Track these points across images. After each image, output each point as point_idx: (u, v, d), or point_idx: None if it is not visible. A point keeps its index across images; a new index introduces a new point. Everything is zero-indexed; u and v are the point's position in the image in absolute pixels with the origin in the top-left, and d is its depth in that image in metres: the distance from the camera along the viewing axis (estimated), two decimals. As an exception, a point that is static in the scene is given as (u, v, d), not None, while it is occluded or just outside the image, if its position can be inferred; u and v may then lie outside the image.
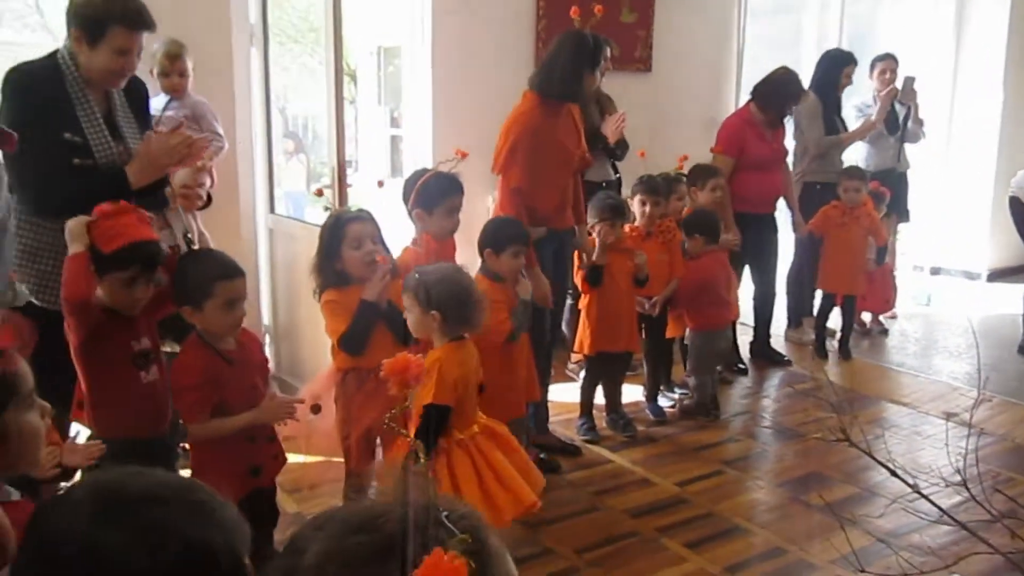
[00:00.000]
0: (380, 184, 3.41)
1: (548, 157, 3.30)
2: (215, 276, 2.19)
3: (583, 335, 3.73)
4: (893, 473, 1.93)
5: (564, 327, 4.28)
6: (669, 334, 4.12)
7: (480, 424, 2.49)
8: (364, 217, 2.64)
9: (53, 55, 2.47)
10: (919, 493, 1.95)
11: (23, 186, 2.37)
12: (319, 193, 3.39)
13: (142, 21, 2.42)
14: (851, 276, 4.82)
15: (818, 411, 3.94)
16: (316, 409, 2.64)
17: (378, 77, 12.48)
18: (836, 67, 5.05)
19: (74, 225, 2.08)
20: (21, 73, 2.45)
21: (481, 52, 4.62)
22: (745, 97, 5.40)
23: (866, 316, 5.49)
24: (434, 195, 2.92)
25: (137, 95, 2.64)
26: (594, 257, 3.54)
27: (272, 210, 4.06)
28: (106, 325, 2.14)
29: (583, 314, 3.73)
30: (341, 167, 3.40)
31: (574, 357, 4.41)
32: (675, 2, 5.30)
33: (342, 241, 2.58)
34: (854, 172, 4.83)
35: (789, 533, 2.93)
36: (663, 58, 5.32)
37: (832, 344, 4.98)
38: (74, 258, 2.06)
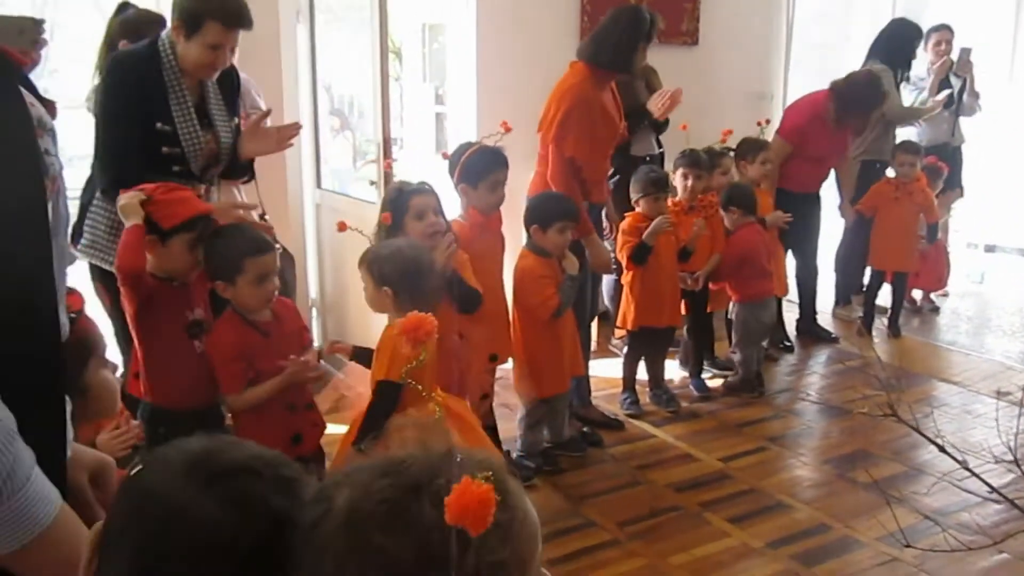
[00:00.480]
0: (445, 155, 3.36)
1: (599, 128, 3.29)
2: (245, 252, 2.23)
3: (626, 310, 3.73)
4: (942, 449, 1.90)
5: (607, 302, 4.28)
6: (711, 308, 4.10)
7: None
8: (426, 190, 2.67)
9: (155, 42, 2.54)
10: (968, 470, 1.92)
11: (106, 168, 2.48)
12: (341, 227, 2.97)
13: (239, 19, 2.50)
14: (903, 253, 4.73)
15: (866, 388, 3.90)
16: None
17: (422, 54, 12.48)
18: (910, 41, 4.90)
19: (128, 201, 2.14)
20: (121, 61, 2.55)
21: (526, 27, 4.59)
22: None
23: (917, 294, 5.40)
24: (479, 169, 2.93)
25: (229, 83, 2.71)
26: (644, 236, 3.53)
27: (319, 185, 4.11)
28: (161, 294, 2.20)
29: (626, 289, 3.72)
30: (386, 143, 3.42)
31: (617, 332, 4.41)
32: (723, -25, 5.22)
33: (405, 213, 2.61)
34: (909, 147, 4.73)
35: (834, 510, 2.91)
36: (710, 31, 5.24)
37: (881, 322, 4.91)
38: (132, 230, 2.11)
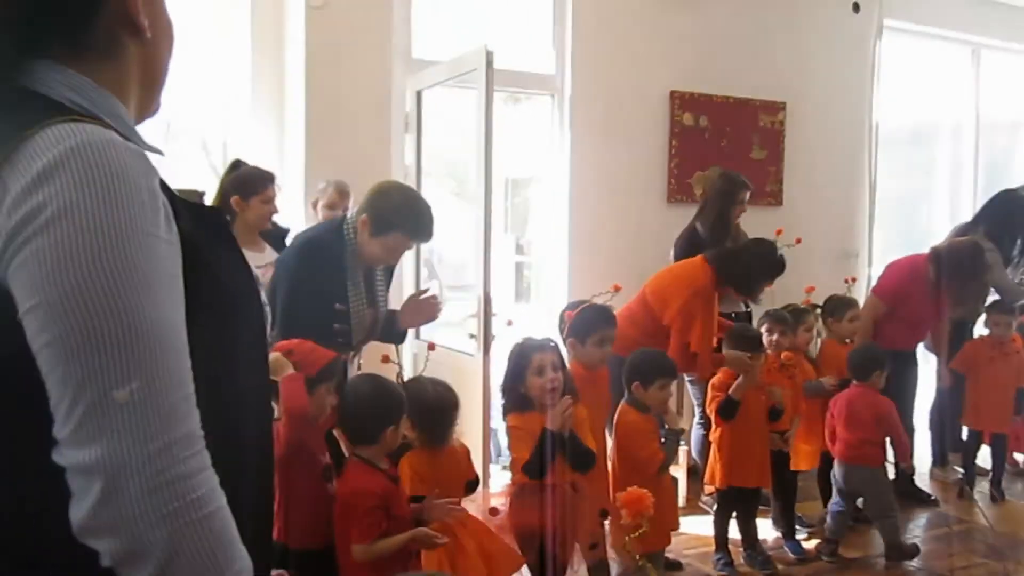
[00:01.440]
0: (509, 323, 3.67)
1: (712, 320, 3.79)
2: (388, 421, 2.38)
3: (714, 467, 3.71)
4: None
5: (695, 456, 4.28)
6: (795, 467, 4.05)
7: None
8: (548, 346, 2.83)
9: (340, 225, 2.84)
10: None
11: (285, 336, 2.62)
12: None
13: (421, 234, 2.84)
14: (1000, 413, 4.62)
15: (972, 555, 3.77)
16: (494, 512, 2.75)
17: (505, 207, 13.12)
18: (1020, 219, 4.83)
19: (276, 358, 2.31)
20: (310, 241, 2.85)
21: (616, 187, 4.84)
22: (878, 227, 5.38)
23: (1020, 456, 5.21)
24: (588, 325, 3.06)
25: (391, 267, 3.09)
26: (731, 391, 3.57)
27: (417, 336, 4.28)
28: (306, 439, 2.33)
29: (714, 446, 3.72)
30: (487, 298, 3.59)
31: (707, 489, 4.37)
32: (803, 138, 5.44)
33: (527, 368, 2.75)
34: (1003, 306, 4.69)
35: None
36: (793, 192, 5.42)
37: (982, 485, 4.74)
38: (292, 377, 2.27)
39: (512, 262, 12.44)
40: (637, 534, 1.68)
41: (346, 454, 2.48)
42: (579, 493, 2.82)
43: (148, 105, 1.07)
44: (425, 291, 3.23)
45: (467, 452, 2.81)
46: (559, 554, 2.72)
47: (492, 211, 3.60)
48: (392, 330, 3.13)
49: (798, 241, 4.70)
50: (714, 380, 3.73)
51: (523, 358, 2.78)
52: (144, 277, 0.85)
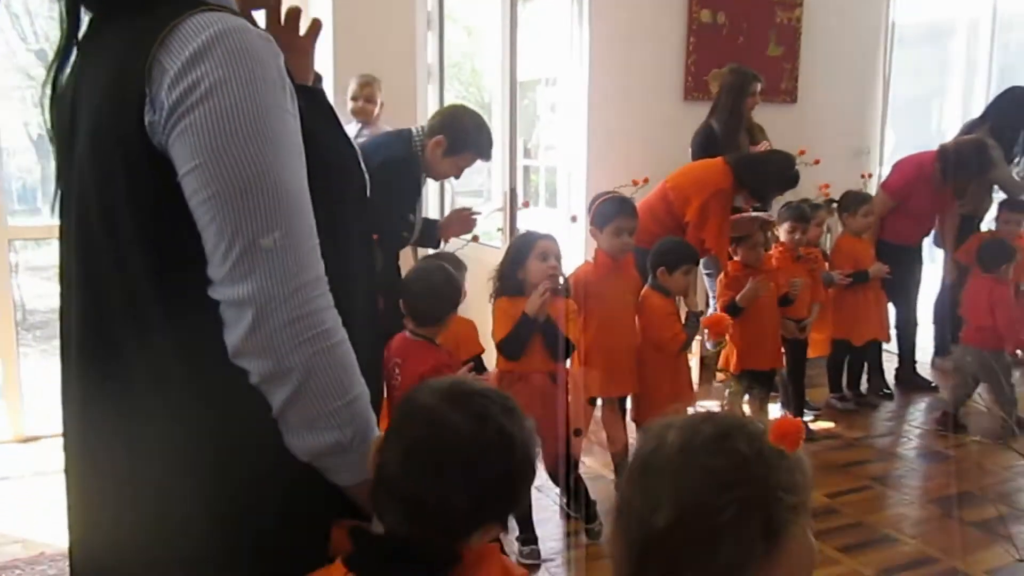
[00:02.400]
0: (574, 219, 3.90)
1: (728, 224, 3.91)
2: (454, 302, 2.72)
3: (728, 353, 3.91)
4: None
5: (708, 345, 4.48)
6: (811, 354, 4.26)
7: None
8: (551, 238, 2.97)
9: (410, 140, 3.13)
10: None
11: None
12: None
13: (488, 154, 3.25)
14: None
15: (967, 435, 4.01)
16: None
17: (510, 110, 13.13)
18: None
19: None
20: (393, 162, 3.07)
21: (633, 85, 4.90)
22: (890, 126, 5.42)
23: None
24: (607, 215, 3.21)
25: None
26: (738, 298, 3.70)
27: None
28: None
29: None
30: (512, 192, 3.73)
31: (719, 375, 4.60)
32: (820, 34, 5.45)
33: (530, 252, 2.88)
34: (1014, 205, 4.79)
35: (941, 544, 3.02)
36: (808, 89, 5.46)
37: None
38: None
39: (520, 166, 12.49)
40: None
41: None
42: (558, 384, 2.92)
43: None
44: (468, 208, 3.55)
45: (471, 328, 2.99)
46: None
47: (489, 111, 3.70)
48: (430, 236, 3.45)
49: (816, 162, 4.80)
50: (723, 277, 3.89)
51: (526, 245, 2.91)
52: (281, 145, 1.02)
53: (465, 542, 1.06)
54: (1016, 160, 4.97)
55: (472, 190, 7.23)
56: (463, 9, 5.11)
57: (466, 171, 3.33)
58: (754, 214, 3.92)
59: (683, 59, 5.05)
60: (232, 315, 1.01)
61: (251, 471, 1.06)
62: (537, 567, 2.85)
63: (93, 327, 1.12)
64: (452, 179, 3.44)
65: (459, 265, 3.13)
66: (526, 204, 4.08)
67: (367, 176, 1.27)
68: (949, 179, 4.49)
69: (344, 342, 1.07)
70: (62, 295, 1.19)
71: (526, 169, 12.71)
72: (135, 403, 1.09)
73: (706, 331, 2.76)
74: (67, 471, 1.21)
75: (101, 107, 1.04)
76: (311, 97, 1.20)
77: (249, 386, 1.04)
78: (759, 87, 4.51)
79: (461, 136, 3.10)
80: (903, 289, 4.72)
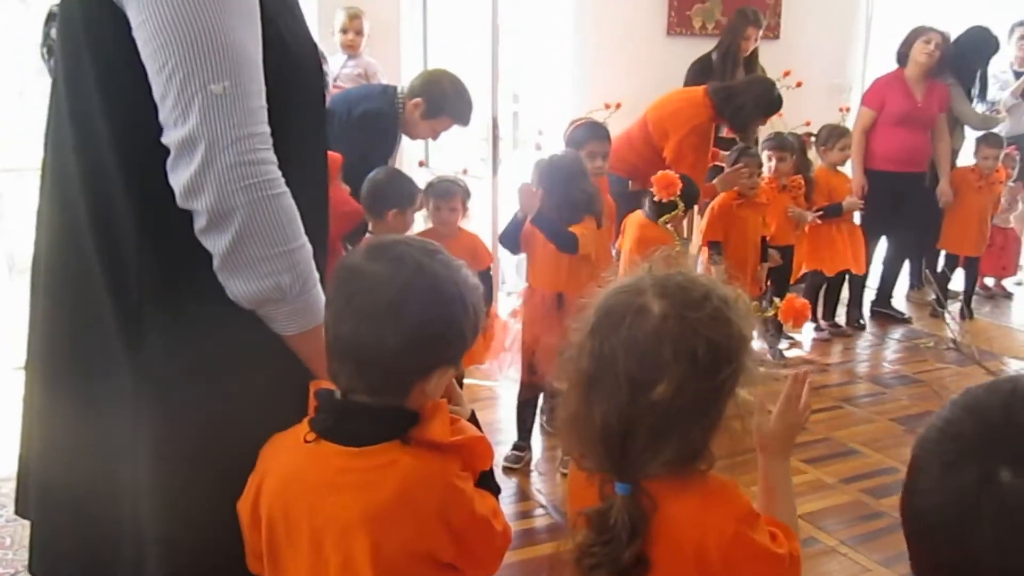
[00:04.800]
0: (538, 147, 3.95)
1: (705, 153, 4.03)
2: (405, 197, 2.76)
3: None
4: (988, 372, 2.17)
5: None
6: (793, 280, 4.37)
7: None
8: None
9: (393, 98, 3.17)
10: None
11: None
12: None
13: (467, 119, 3.25)
14: (978, 239, 4.90)
15: (937, 362, 4.15)
16: (514, 314, 3.09)
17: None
18: (985, 55, 4.96)
19: None
20: (374, 115, 3.15)
21: (616, 20, 4.93)
22: (873, 64, 5.45)
23: (989, 280, 5.55)
24: (578, 140, 3.28)
25: None
26: (716, 181, 3.86)
27: (427, 164, 4.51)
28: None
29: (706, 262, 4.00)
30: (495, 122, 3.79)
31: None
32: (804, -30, 5.47)
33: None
34: (992, 140, 4.86)
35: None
36: (791, 25, 5.49)
37: (954, 305, 5.08)
38: (337, 186, 2.61)
39: (510, 111, 12.45)
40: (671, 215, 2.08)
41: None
42: (564, 306, 2.92)
43: None
44: None
45: (474, 240, 3.07)
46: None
47: (499, 35, 3.72)
48: None
49: (799, 84, 4.86)
50: (713, 204, 3.94)
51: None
52: (236, 7, 1.09)
53: (421, 389, 1.11)
54: (976, 94, 5.04)
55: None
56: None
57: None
58: (737, 166, 3.85)
59: (666, -6, 5.08)
60: (183, 155, 1.09)
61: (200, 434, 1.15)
62: (515, 471, 2.99)
63: (62, 253, 1.22)
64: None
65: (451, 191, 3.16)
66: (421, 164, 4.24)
67: (328, 85, 1.35)
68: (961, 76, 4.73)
69: (287, 196, 1.14)
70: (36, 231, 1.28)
71: (515, 115, 12.61)
72: (102, 335, 1.17)
73: (655, 188, 3.12)
74: (26, 395, 1.31)
75: None
76: None
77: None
78: (752, 29, 4.56)
79: (439, 100, 3.16)
80: (894, 220, 4.79)
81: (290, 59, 1.22)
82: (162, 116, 1.09)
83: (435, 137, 3.39)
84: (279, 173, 1.13)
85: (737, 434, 1.08)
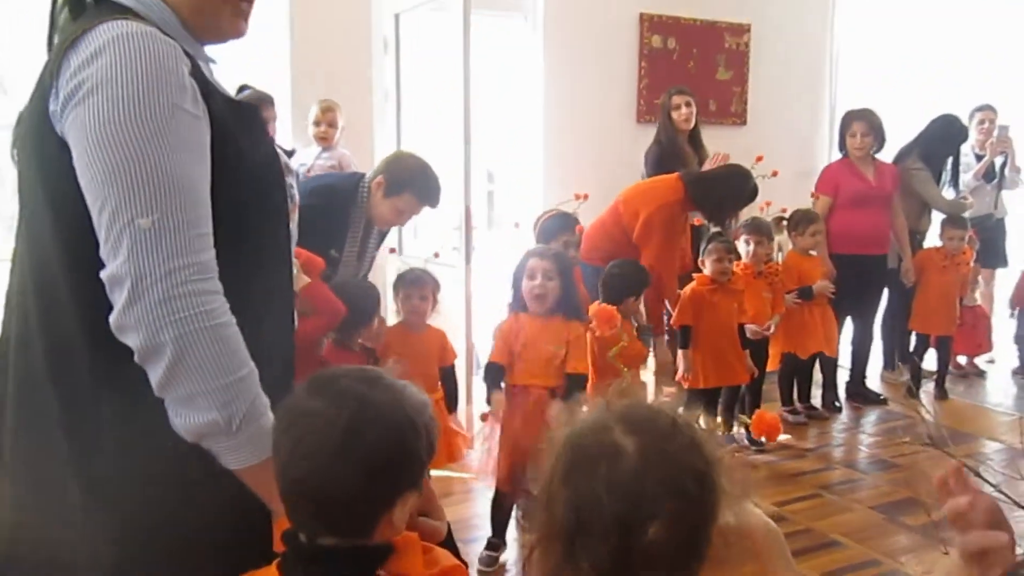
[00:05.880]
0: (517, 225, 3.95)
1: (676, 240, 4.04)
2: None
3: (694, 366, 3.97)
4: (976, 472, 2.15)
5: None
6: (769, 367, 4.36)
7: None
8: (546, 254, 3.00)
9: (358, 181, 3.05)
10: (1019, 505, 2.14)
11: None
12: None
13: (430, 198, 3.03)
14: (947, 318, 4.95)
15: (914, 445, 4.12)
16: (484, 417, 2.99)
17: (473, 136, 13.27)
18: (953, 143, 5.15)
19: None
20: (331, 187, 3.09)
21: (588, 107, 5.03)
22: (836, 146, 5.60)
23: (962, 359, 5.59)
24: (551, 232, 3.29)
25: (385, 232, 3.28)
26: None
27: (400, 252, 4.50)
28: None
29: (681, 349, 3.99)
30: (468, 210, 3.81)
31: (666, 391, 4.69)
32: (768, 59, 5.63)
33: (524, 271, 2.94)
34: (957, 221, 4.96)
35: (885, 548, 3.12)
36: (757, 111, 5.63)
37: (928, 385, 5.10)
38: (318, 284, 2.52)
39: (484, 191, 12.61)
40: (617, 348, 2.03)
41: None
42: (556, 399, 2.90)
43: (200, 28, 1.25)
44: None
45: (441, 337, 3.05)
46: (529, 456, 2.89)
47: (471, 128, 3.77)
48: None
49: (775, 173, 4.95)
50: (686, 290, 3.92)
51: (523, 261, 2.96)
52: (166, 135, 1.09)
53: (387, 521, 1.06)
54: (947, 179, 5.18)
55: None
56: (425, 33, 5.23)
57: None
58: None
59: (635, 83, 5.20)
60: (112, 291, 1.08)
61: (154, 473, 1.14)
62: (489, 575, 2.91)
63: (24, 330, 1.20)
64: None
65: (423, 280, 3.14)
66: (392, 251, 4.26)
67: (294, 197, 1.34)
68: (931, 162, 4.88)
69: (229, 326, 1.12)
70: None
71: (490, 194, 12.75)
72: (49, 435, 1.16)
73: (594, 324, 2.91)
74: None
75: (31, 99, 1.16)
76: (238, 109, 1.28)
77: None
78: (680, 99, 4.64)
79: (399, 176, 2.98)
80: (858, 302, 4.84)
81: (250, 174, 1.22)
82: (101, 251, 1.09)
83: (400, 220, 3.16)
84: (220, 302, 1.11)
85: (723, 560, 1.04)
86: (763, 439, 4.21)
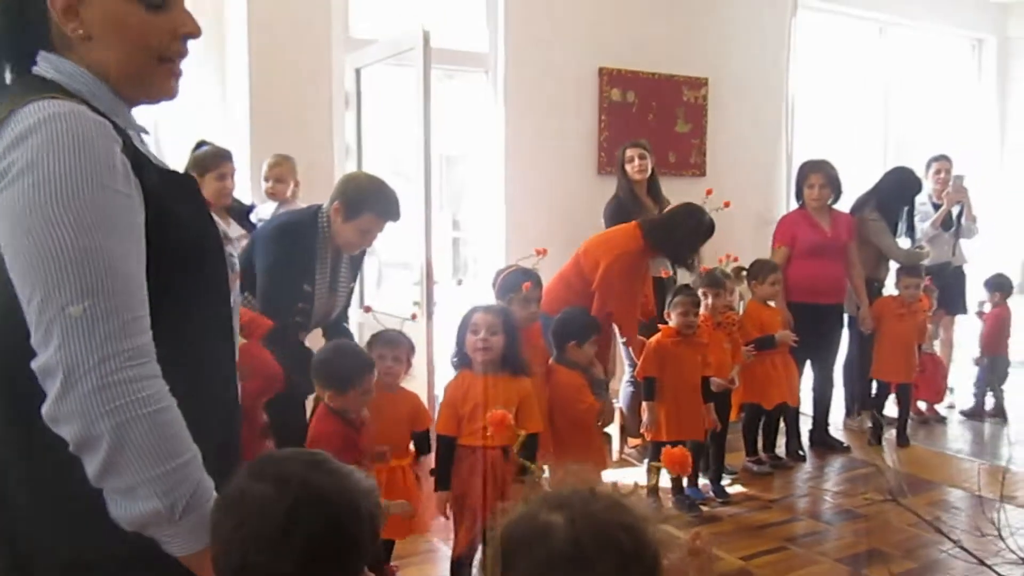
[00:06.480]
0: (459, 282, 3.92)
1: (636, 286, 4.07)
2: (364, 369, 2.62)
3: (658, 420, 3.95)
4: (938, 529, 2.15)
5: (626, 412, 4.56)
6: (733, 417, 4.37)
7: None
8: (492, 309, 3.00)
9: (316, 212, 3.01)
10: (982, 562, 2.13)
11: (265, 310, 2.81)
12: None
13: (391, 213, 2.99)
14: (906, 366, 5.01)
15: (877, 495, 4.13)
16: (433, 473, 2.93)
17: (440, 184, 13.33)
18: (908, 194, 5.27)
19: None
20: (289, 226, 3.03)
21: (549, 160, 5.06)
22: (793, 195, 5.71)
23: (922, 405, 5.65)
24: (511, 287, 3.29)
25: (360, 252, 3.24)
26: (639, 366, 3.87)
27: (361, 304, 4.46)
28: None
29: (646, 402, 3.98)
30: (429, 265, 3.79)
31: (631, 441, 4.68)
32: (725, 111, 5.73)
33: (468, 326, 2.93)
34: (913, 271, 5.05)
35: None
36: (716, 163, 5.71)
37: (890, 432, 5.14)
38: (256, 345, 2.45)
39: (449, 238, 12.66)
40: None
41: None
42: (511, 458, 2.86)
43: (125, 93, 1.24)
44: None
45: (414, 400, 3.00)
46: (486, 517, 2.79)
47: (432, 183, 3.76)
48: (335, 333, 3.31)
49: (726, 204, 5.01)
50: (651, 341, 3.94)
51: (467, 316, 2.96)
52: (97, 219, 1.06)
53: None
54: (903, 229, 5.30)
55: (402, 262, 7.28)
56: (387, 87, 5.25)
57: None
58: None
59: (596, 135, 5.25)
60: (44, 383, 1.05)
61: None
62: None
63: None
64: (375, 252, 3.38)
65: (398, 341, 3.09)
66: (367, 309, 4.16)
67: (235, 265, 1.32)
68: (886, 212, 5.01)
69: (168, 410, 1.09)
70: None
71: (455, 241, 12.75)
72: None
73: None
74: None
75: None
76: (178, 182, 1.26)
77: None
78: (633, 151, 4.69)
79: (355, 197, 2.94)
80: (817, 351, 4.89)
81: (188, 246, 1.20)
82: (32, 340, 1.06)
83: (365, 241, 3.08)
84: (157, 387, 1.09)
85: None
86: (733, 470, 4.30)
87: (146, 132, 1.31)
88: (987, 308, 5.68)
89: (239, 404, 1.38)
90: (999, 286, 5.62)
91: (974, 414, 5.69)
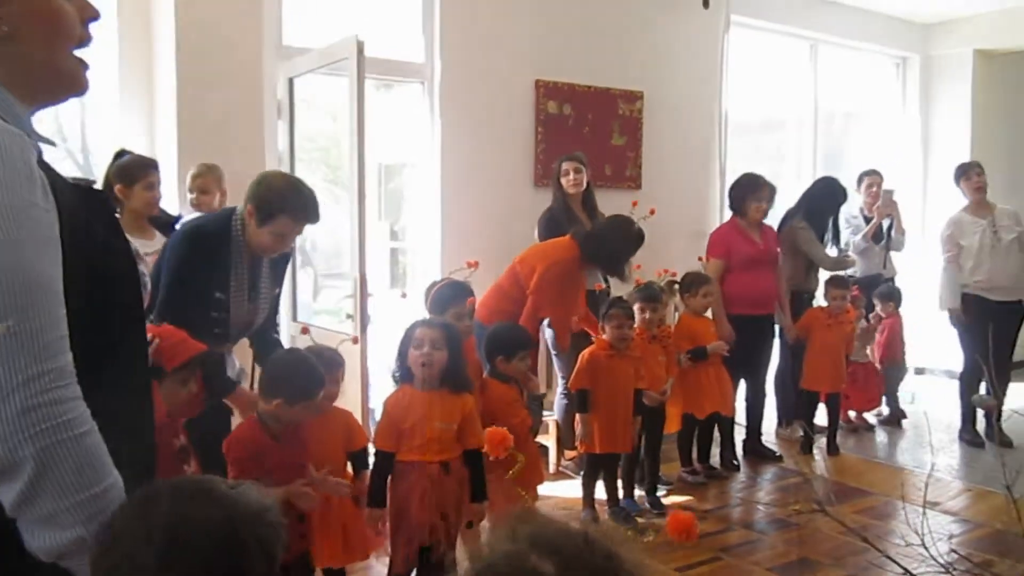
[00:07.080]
0: (404, 295, 3.90)
1: (571, 295, 4.18)
2: (320, 384, 2.58)
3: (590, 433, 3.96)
4: (864, 539, 2.19)
5: (561, 424, 4.56)
6: (668, 429, 4.39)
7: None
8: (434, 324, 2.91)
9: (230, 216, 2.82)
10: (908, 572, 2.17)
11: (162, 317, 2.63)
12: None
13: (307, 215, 2.79)
14: (835, 375, 5.13)
15: (808, 503, 4.19)
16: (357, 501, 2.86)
17: (379, 194, 13.17)
18: (834, 203, 5.42)
19: None
20: (197, 229, 2.84)
21: (485, 171, 5.05)
22: (729, 209, 5.81)
23: (852, 413, 5.77)
24: (444, 301, 3.26)
25: (282, 258, 3.04)
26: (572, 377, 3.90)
27: (295, 318, 4.38)
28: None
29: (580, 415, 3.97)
30: (362, 279, 3.73)
31: (568, 454, 4.68)
32: (660, 125, 5.79)
33: (410, 340, 2.85)
34: (838, 282, 5.19)
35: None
36: (651, 176, 5.77)
37: (820, 440, 5.24)
38: None
39: (388, 248, 12.56)
40: (515, 470, 2.00)
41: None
42: (451, 474, 2.85)
43: (39, 95, 1.19)
44: None
45: (346, 418, 2.91)
46: (425, 534, 2.76)
47: (365, 196, 3.71)
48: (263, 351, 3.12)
49: (652, 212, 5.11)
50: (585, 353, 3.94)
51: (410, 330, 2.89)
52: (20, 235, 1.01)
53: None
54: (830, 238, 5.43)
55: (337, 272, 7.18)
56: (320, 97, 5.18)
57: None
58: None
59: (532, 147, 5.25)
60: None
61: None
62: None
63: None
64: (312, 263, 3.25)
65: (336, 362, 2.97)
66: (304, 331, 4.11)
67: (147, 284, 1.28)
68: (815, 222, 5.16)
69: (91, 434, 1.04)
70: None
71: (394, 251, 12.64)
72: None
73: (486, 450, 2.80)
74: None
75: None
76: (90, 196, 1.22)
77: None
78: (569, 165, 4.71)
79: (269, 200, 2.72)
80: (750, 361, 4.96)
81: (101, 263, 1.16)
82: None
83: (283, 246, 2.87)
84: (80, 409, 1.03)
85: None
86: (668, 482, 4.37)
87: (53, 144, 1.25)
88: (873, 320, 5.84)
89: (154, 426, 1.33)
90: (890, 296, 5.80)
91: (889, 421, 5.86)
